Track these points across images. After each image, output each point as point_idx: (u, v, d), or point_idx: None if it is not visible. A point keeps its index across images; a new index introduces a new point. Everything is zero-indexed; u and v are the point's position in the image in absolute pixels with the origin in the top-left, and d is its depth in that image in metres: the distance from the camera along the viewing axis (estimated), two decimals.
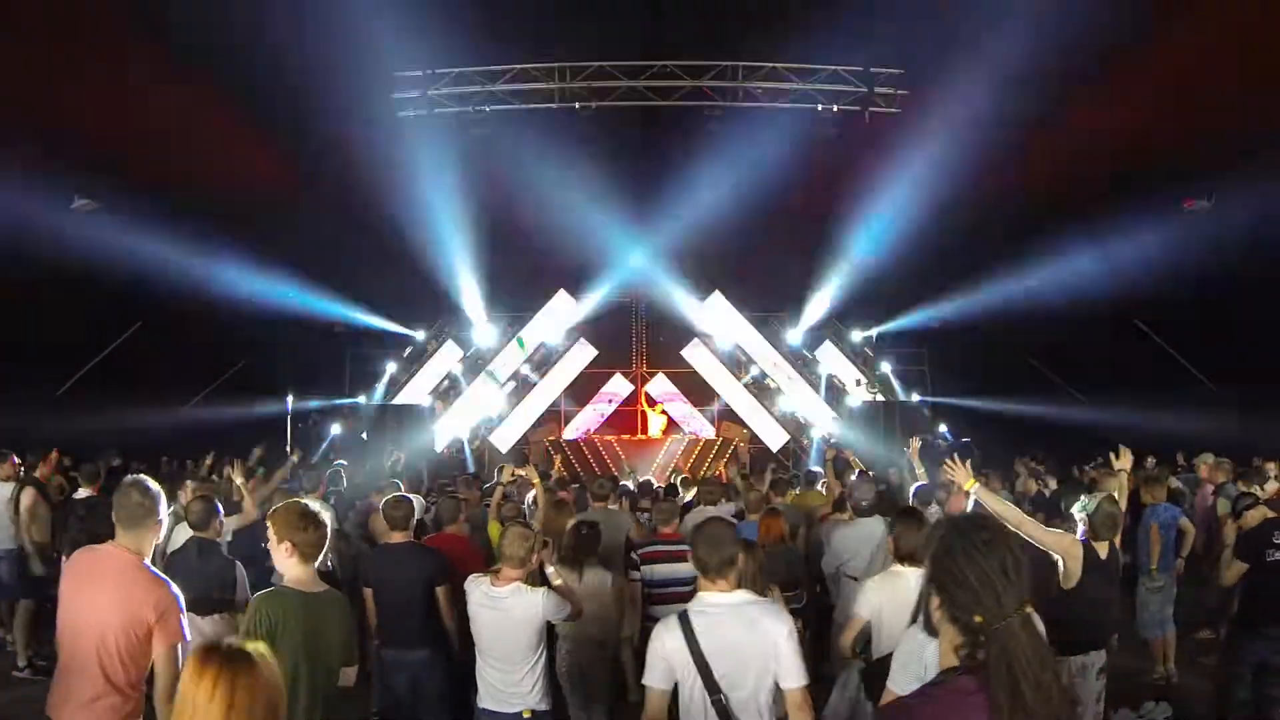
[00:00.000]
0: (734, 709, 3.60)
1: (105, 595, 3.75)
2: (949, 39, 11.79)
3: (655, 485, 11.55)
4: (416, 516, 6.52)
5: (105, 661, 3.70)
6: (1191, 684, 7.95)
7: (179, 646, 3.78)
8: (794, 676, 3.60)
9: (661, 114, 15.14)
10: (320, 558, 3.99)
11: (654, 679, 3.71)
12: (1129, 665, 8.66)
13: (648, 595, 6.52)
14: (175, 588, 3.89)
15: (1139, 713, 6.52)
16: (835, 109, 14.71)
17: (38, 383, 13.96)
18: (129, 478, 4.15)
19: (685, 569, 6.39)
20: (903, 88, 14.43)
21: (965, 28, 11.05)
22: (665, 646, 3.69)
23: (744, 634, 3.62)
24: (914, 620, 4.35)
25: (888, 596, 4.66)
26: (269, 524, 4.02)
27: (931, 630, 2.24)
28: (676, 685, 3.70)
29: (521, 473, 9.45)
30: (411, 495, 7.35)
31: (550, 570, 5.21)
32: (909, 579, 4.64)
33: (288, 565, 3.93)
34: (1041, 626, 4.04)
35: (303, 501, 4.26)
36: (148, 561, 3.94)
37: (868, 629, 4.78)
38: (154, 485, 4.10)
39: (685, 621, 3.67)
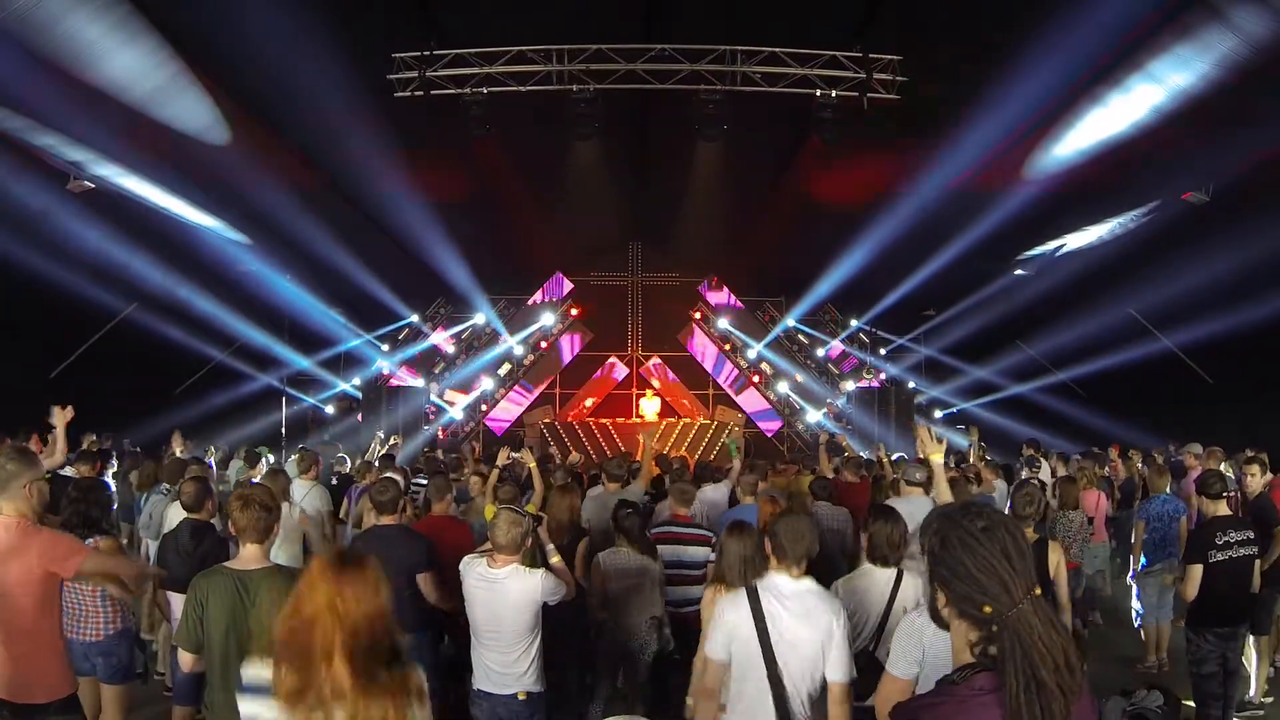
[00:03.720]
0: (787, 688, 3.65)
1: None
2: (948, 24, 11.74)
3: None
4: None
5: (14, 625, 3.86)
6: (1183, 673, 7.97)
7: (83, 558, 4.03)
8: (839, 670, 3.68)
9: (659, 97, 15.05)
10: (267, 538, 4.10)
11: (716, 650, 3.78)
12: (1121, 653, 8.73)
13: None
14: (47, 528, 4.16)
15: (1130, 700, 6.55)
16: (833, 94, 14.63)
17: (32, 364, 13.94)
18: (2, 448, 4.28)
19: (693, 553, 6.42)
20: (902, 74, 14.35)
21: (966, 15, 10.99)
22: (731, 619, 3.76)
23: (802, 621, 3.69)
24: (884, 619, 4.44)
25: (851, 597, 4.66)
26: None
27: (943, 624, 2.16)
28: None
29: (517, 455, 9.46)
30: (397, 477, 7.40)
31: (549, 548, 5.22)
32: (878, 579, 4.66)
33: (241, 546, 4.10)
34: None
35: (249, 487, 4.40)
36: (28, 520, 4.04)
37: None
38: (25, 451, 4.29)
39: (754, 597, 3.75)
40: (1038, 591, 2.00)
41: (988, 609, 1.99)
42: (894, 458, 11.29)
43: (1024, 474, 10.87)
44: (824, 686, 3.72)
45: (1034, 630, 1.94)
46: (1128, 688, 6.73)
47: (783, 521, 3.91)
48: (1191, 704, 6.75)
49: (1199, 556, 6.04)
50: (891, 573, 4.65)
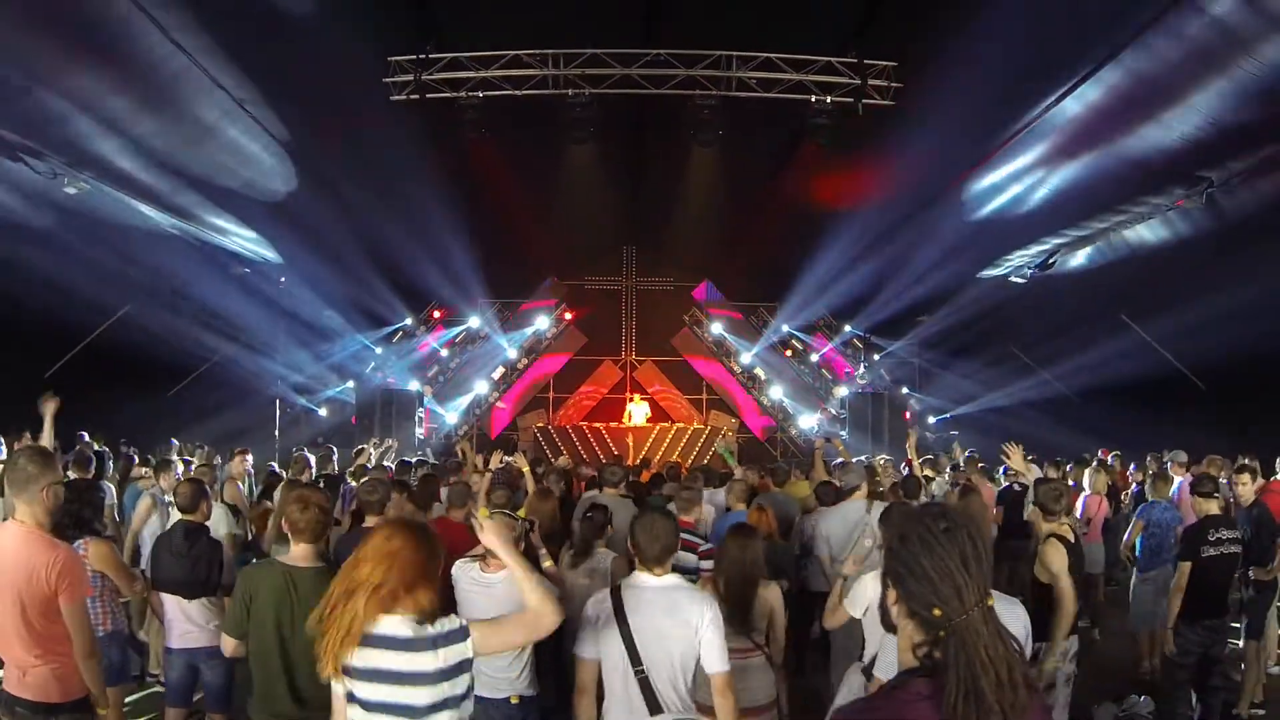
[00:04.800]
0: (655, 684, 3.73)
1: (9, 570, 3.87)
2: (944, 31, 11.75)
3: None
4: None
5: (30, 629, 3.86)
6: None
7: (86, 603, 4.04)
8: (716, 662, 3.75)
9: (655, 102, 15.09)
10: (321, 538, 4.20)
11: (584, 650, 3.89)
12: (1116, 658, 8.72)
13: None
14: (68, 547, 4.13)
15: (1122, 706, 6.57)
16: (828, 100, 14.68)
17: (27, 365, 13.87)
18: (19, 447, 4.26)
19: (688, 559, 6.42)
20: (897, 80, 14.41)
21: (961, 19, 11.00)
22: (594, 619, 3.86)
23: (667, 616, 3.78)
24: None
25: (876, 595, 4.64)
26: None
27: (890, 627, 2.11)
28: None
29: (511, 459, 9.45)
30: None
31: (541, 553, 5.21)
32: None
33: (292, 543, 4.17)
34: (1025, 617, 4.14)
35: (308, 488, 4.46)
36: (41, 528, 4.02)
37: (862, 630, 4.78)
38: (44, 452, 4.26)
39: (616, 596, 3.86)
40: (990, 601, 1.96)
41: (937, 612, 1.94)
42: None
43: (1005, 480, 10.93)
44: (697, 679, 3.79)
45: (980, 639, 1.90)
46: (1120, 693, 6.78)
47: (639, 522, 4.00)
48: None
49: (1191, 554, 6.36)
50: None
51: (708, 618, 3.77)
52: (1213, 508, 6.59)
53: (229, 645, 4.09)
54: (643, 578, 3.91)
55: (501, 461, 9.02)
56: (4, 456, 8.71)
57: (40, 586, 3.85)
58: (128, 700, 6.35)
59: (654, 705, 3.72)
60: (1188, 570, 6.31)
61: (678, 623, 3.76)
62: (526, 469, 8.30)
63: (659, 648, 3.74)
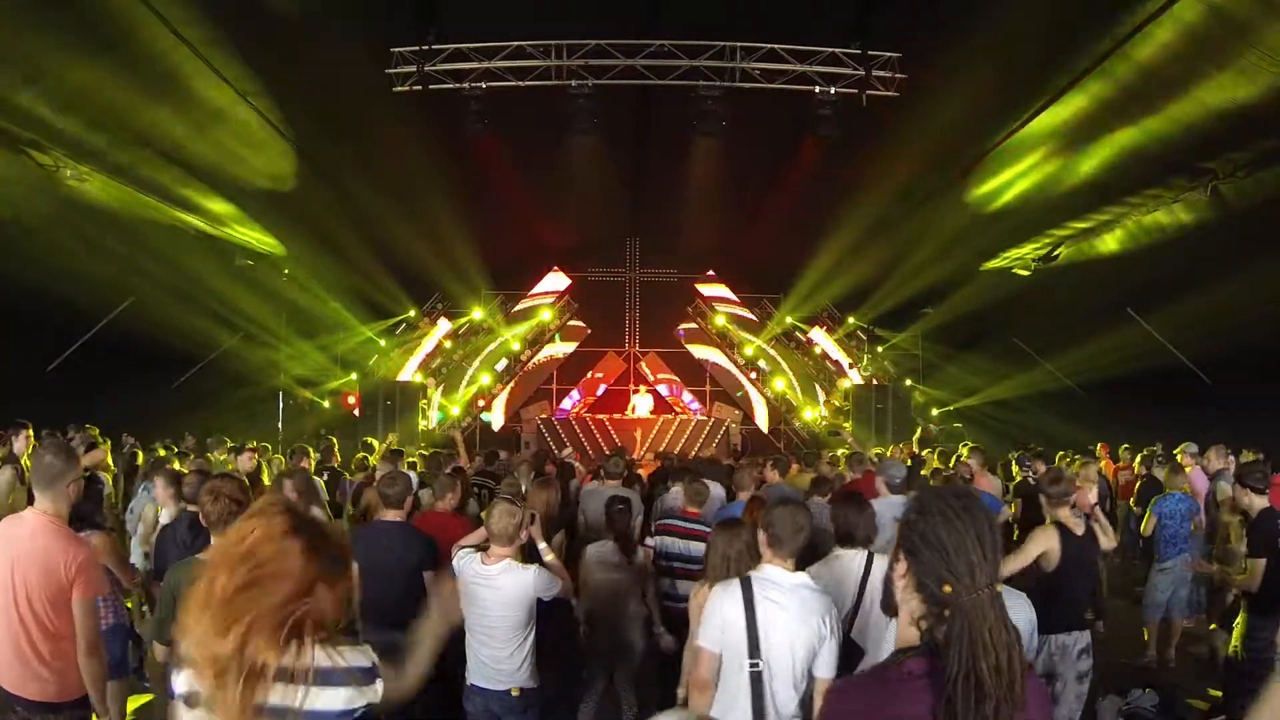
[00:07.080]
0: (767, 680, 3.64)
1: (25, 560, 3.85)
2: (949, 22, 11.71)
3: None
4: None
5: (39, 624, 3.83)
6: (1180, 671, 7.96)
7: (97, 600, 3.99)
8: (827, 668, 3.69)
9: (658, 93, 15.04)
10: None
11: (710, 641, 3.76)
12: (1118, 653, 8.70)
13: (656, 566, 6.52)
14: (88, 545, 4.08)
15: (1126, 700, 6.55)
16: (833, 91, 14.62)
17: (29, 359, 13.89)
18: (44, 442, 4.22)
19: (698, 548, 6.44)
20: (901, 71, 14.34)
21: (965, 10, 10.96)
22: (725, 609, 3.73)
23: (797, 614, 3.68)
24: (857, 603, 4.43)
25: (826, 582, 4.62)
26: None
27: (890, 608, 2.10)
28: None
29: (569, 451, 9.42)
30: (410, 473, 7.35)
31: (542, 546, 5.20)
32: (846, 562, 4.65)
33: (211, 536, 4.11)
34: (1030, 611, 4.14)
35: (220, 479, 4.38)
36: (63, 522, 4.01)
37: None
38: (68, 447, 4.24)
39: (747, 587, 3.73)
40: (999, 588, 1.97)
41: (948, 587, 1.94)
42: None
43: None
44: (808, 683, 3.71)
45: (985, 621, 1.90)
46: (1124, 686, 6.76)
47: (779, 510, 3.88)
48: (1196, 703, 6.79)
49: (1263, 550, 6.09)
50: (861, 557, 4.63)
51: (832, 620, 3.71)
52: (1265, 501, 6.37)
53: (160, 652, 3.99)
54: (776, 572, 3.79)
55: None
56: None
57: (57, 578, 3.82)
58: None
59: (759, 707, 3.64)
60: (1260, 567, 6.05)
61: (807, 623, 3.67)
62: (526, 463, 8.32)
63: (782, 649, 3.66)
